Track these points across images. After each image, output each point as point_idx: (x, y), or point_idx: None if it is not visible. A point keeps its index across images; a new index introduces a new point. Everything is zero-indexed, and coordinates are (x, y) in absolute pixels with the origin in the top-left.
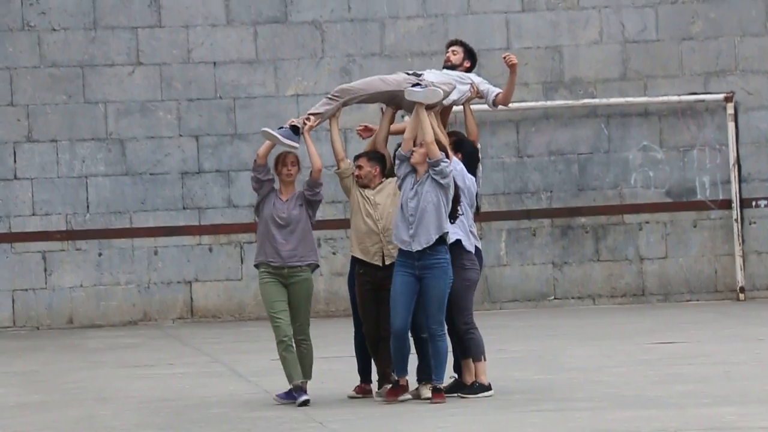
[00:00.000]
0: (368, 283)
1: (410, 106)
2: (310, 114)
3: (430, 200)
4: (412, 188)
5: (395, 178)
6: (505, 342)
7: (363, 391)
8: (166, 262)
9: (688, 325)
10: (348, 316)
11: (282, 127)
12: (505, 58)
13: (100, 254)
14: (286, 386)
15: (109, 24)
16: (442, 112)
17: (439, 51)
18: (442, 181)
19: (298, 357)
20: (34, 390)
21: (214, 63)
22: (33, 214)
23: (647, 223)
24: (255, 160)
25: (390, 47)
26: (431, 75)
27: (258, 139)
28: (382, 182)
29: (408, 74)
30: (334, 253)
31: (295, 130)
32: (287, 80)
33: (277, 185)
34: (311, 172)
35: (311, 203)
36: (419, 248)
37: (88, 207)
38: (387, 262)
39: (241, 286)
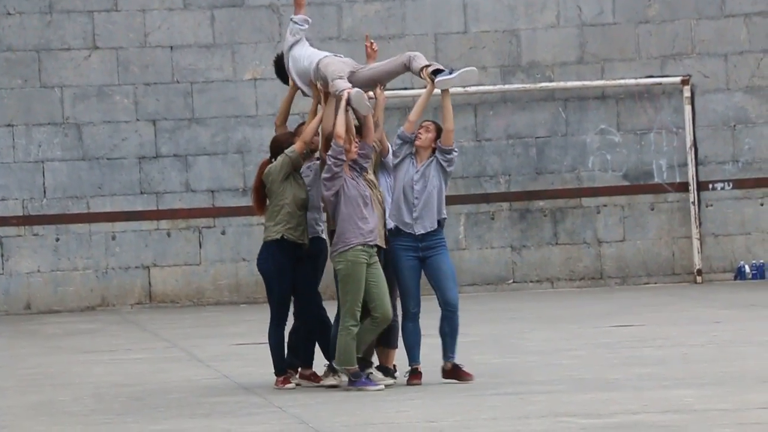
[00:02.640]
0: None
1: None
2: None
3: (436, 185)
4: (417, 171)
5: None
6: (464, 325)
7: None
8: (124, 247)
9: (645, 307)
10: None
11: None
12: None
13: (57, 239)
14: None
15: (64, 8)
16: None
17: (396, 35)
18: (448, 168)
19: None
20: None
21: (171, 47)
22: None
23: (605, 206)
24: (335, 140)
25: (347, 31)
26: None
27: (216, 123)
28: None
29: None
30: None
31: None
32: (245, 64)
33: None
34: (368, 138)
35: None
36: (423, 231)
37: (44, 192)
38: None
39: (200, 271)
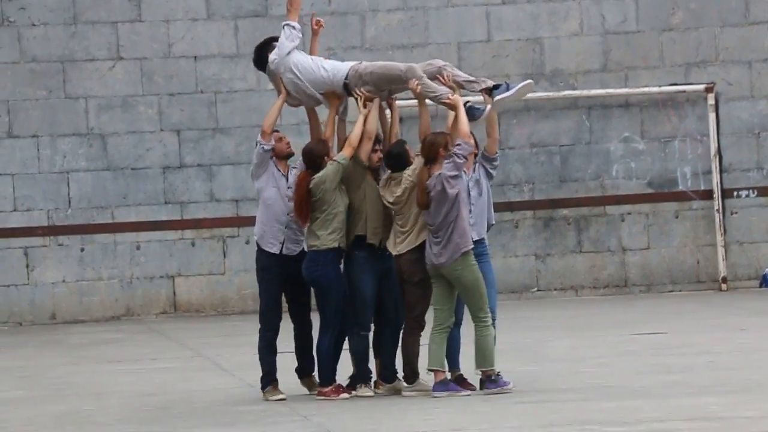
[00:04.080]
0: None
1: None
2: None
3: (486, 191)
4: (470, 178)
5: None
6: None
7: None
8: (149, 256)
9: (670, 315)
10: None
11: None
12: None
13: (82, 249)
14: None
15: (89, 19)
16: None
17: (419, 44)
18: (494, 173)
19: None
20: (17, 386)
21: (195, 57)
22: (14, 210)
23: (629, 214)
24: (465, 140)
25: (370, 40)
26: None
27: (240, 132)
28: None
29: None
30: None
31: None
32: None
33: None
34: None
35: None
36: (477, 238)
37: (69, 202)
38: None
39: (224, 281)
